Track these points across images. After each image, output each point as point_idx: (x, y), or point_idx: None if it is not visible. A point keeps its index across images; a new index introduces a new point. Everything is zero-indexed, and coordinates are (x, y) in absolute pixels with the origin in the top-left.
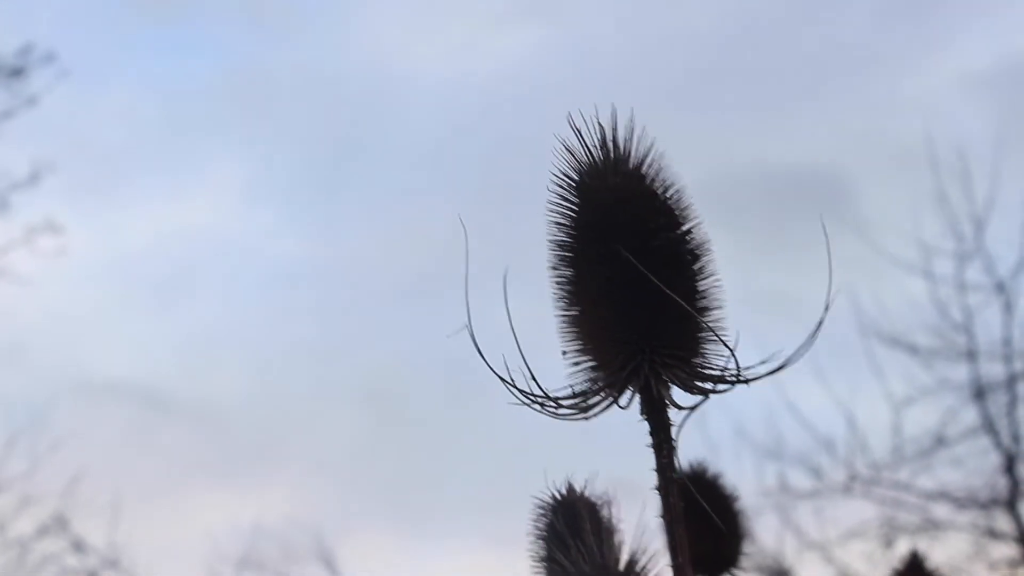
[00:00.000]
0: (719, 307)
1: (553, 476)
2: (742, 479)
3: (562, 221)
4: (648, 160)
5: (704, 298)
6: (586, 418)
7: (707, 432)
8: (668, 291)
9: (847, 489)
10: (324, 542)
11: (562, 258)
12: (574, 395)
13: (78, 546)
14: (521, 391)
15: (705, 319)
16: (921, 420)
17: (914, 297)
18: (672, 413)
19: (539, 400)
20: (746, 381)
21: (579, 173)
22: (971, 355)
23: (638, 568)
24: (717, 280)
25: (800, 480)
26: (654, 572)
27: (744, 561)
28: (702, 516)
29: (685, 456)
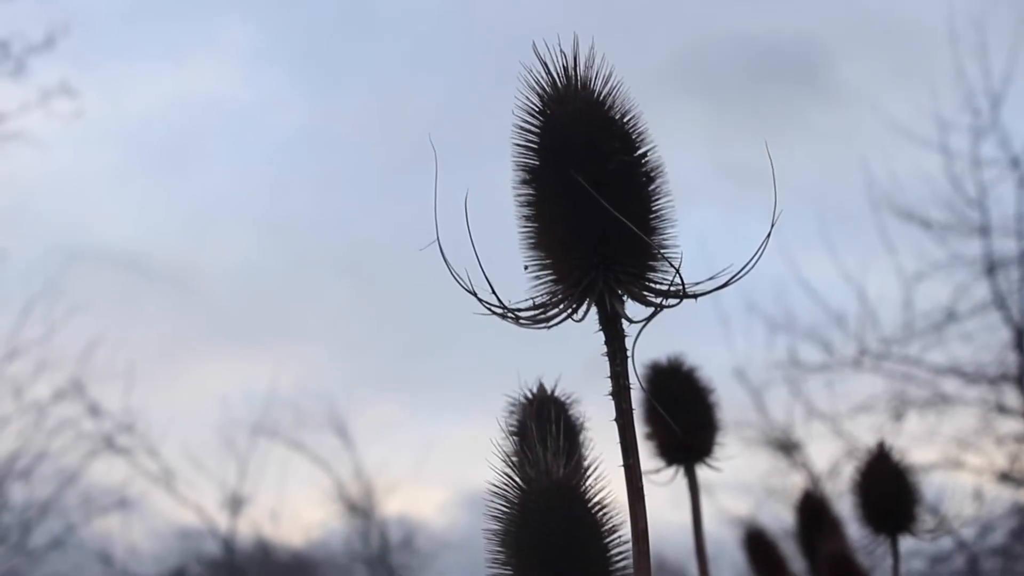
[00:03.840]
0: (671, 226)
1: (527, 376)
2: (753, 353)
3: (525, 144)
4: (607, 87)
5: (657, 218)
6: (547, 327)
7: (720, 307)
8: (617, 214)
9: (857, 363)
10: (336, 410)
11: (525, 178)
12: (534, 307)
13: (94, 410)
14: (485, 301)
15: (657, 238)
16: (932, 295)
17: (928, 172)
18: (628, 324)
19: (501, 310)
20: (693, 296)
21: (541, 99)
22: (984, 230)
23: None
24: (670, 201)
25: (810, 354)
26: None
27: (718, 452)
28: (675, 410)
29: (667, 350)
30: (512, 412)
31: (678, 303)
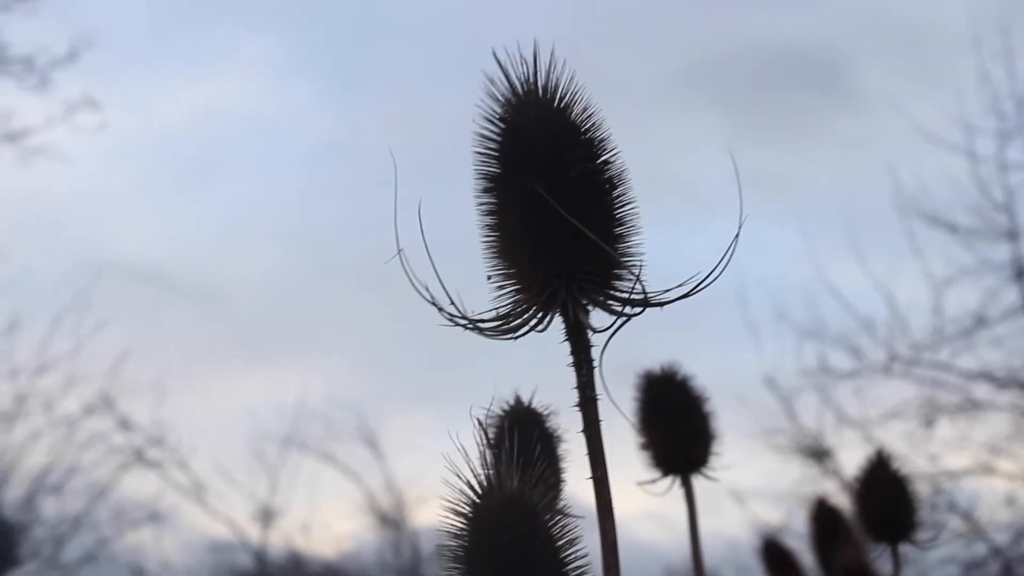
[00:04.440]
0: (635, 233)
1: (502, 388)
2: (783, 360)
3: (485, 152)
4: (569, 93)
5: (621, 225)
6: (513, 338)
7: (747, 314)
8: (576, 222)
9: (887, 369)
10: (366, 421)
11: (486, 187)
12: (497, 317)
13: (124, 424)
14: (446, 312)
15: (620, 246)
16: (961, 300)
17: (954, 176)
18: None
19: (464, 321)
20: (659, 304)
21: (501, 106)
22: (1012, 235)
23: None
24: (634, 208)
25: (840, 361)
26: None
27: (714, 462)
28: (669, 420)
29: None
30: (488, 426)
31: (641, 311)
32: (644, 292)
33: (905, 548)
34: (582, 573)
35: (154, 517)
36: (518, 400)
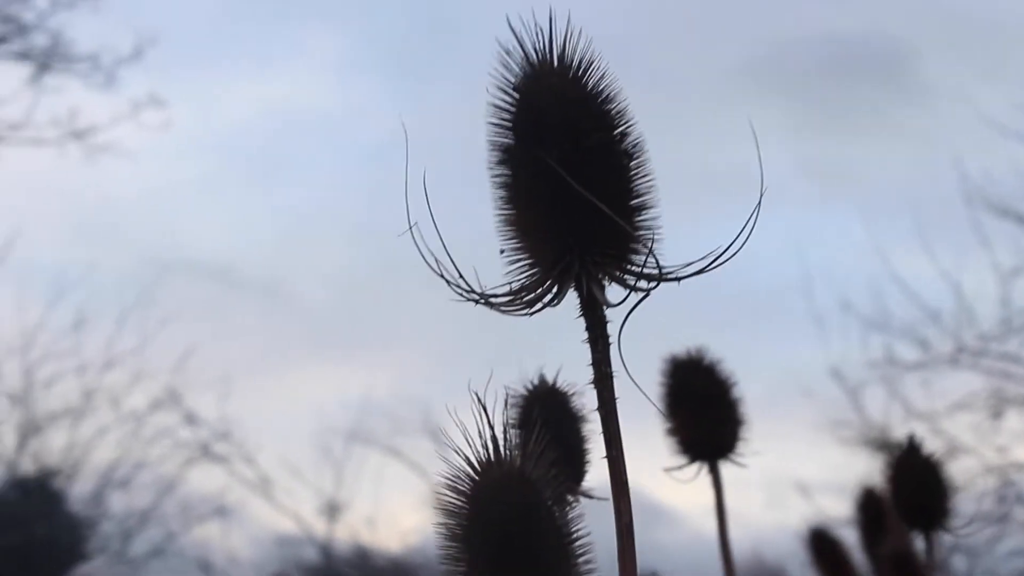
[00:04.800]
0: (652, 206)
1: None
2: (848, 352)
3: (498, 123)
4: (585, 62)
5: (637, 197)
6: (528, 314)
7: (813, 306)
8: (586, 193)
9: (954, 361)
10: (431, 414)
11: (499, 159)
12: (510, 292)
13: (190, 419)
14: (458, 286)
15: (637, 218)
16: None
17: (1022, 167)
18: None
19: (476, 296)
20: (676, 279)
21: (515, 76)
22: None
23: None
24: (651, 179)
25: (907, 352)
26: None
27: (742, 448)
28: (694, 405)
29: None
30: (513, 405)
31: (655, 286)
32: (658, 266)
33: (955, 538)
34: (583, 551)
35: (221, 512)
36: (542, 379)
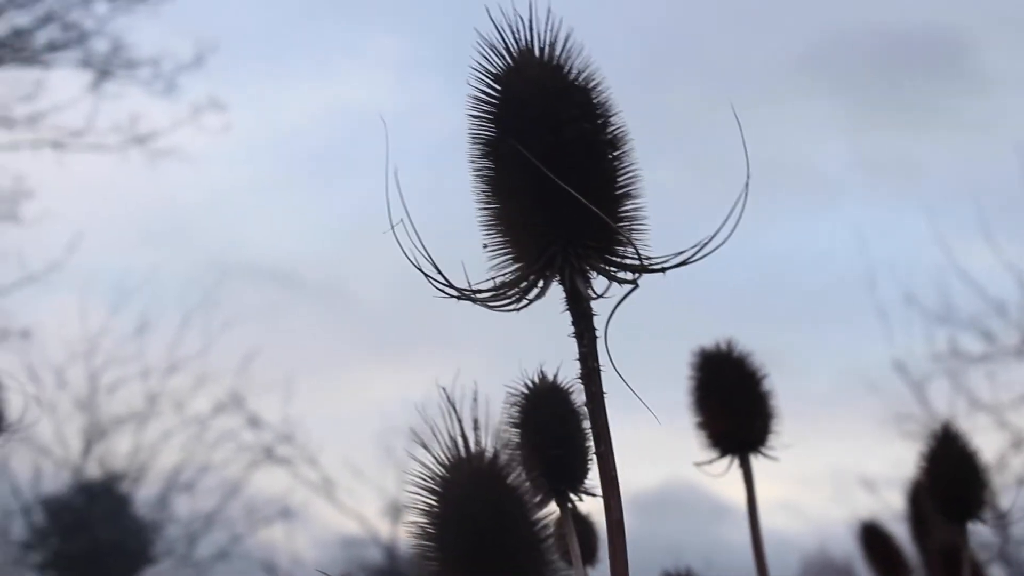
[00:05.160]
0: (636, 196)
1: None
2: (912, 345)
3: (479, 114)
4: (566, 53)
5: (620, 188)
6: (516, 309)
7: (877, 299)
8: (563, 184)
9: (1020, 352)
10: (493, 415)
11: (480, 152)
12: (494, 288)
13: (253, 422)
14: (440, 283)
15: (620, 209)
16: None
17: None
18: (602, 301)
19: (455, 292)
20: (661, 270)
21: (495, 67)
22: None
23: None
24: (635, 170)
25: (971, 344)
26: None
27: (772, 441)
28: (723, 397)
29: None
30: (512, 404)
31: (637, 277)
32: (639, 257)
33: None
34: (555, 548)
35: (285, 513)
36: (542, 376)
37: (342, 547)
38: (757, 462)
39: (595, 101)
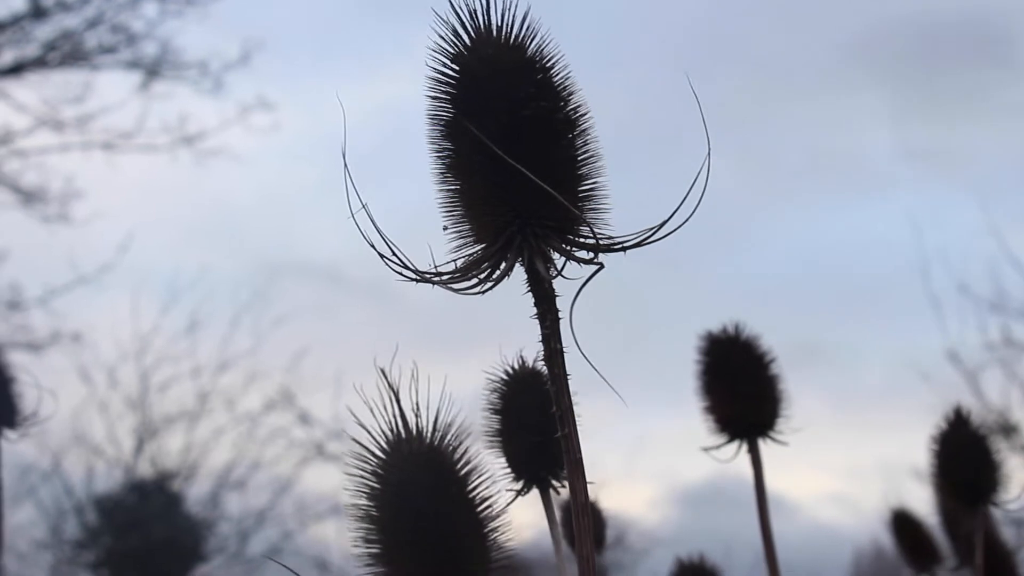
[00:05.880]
0: (596, 175)
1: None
2: (966, 334)
3: (437, 95)
4: (524, 32)
5: (579, 167)
6: (482, 292)
7: (929, 289)
8: (515, 163)
9: None
10: None
11: (438, 132)
12: (455, 270)
13: (304, 419)
14: (400, 267)
15: (579, 189)
16: None
17: None
18: (565, 282)
19: (413, 275)
20: (621, 249)
21: (453, 46)
22: None
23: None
24: (594, 148)
25: None
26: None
27: (781, 425)
28: (731, 381)
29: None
30: (492, 390)
31: (594, 257)
32: (595, 236)
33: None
34: (501, 529)
35: (336, 510)
36: (522, 362)
37: None
38: (783, 448)
39: (553, 80)
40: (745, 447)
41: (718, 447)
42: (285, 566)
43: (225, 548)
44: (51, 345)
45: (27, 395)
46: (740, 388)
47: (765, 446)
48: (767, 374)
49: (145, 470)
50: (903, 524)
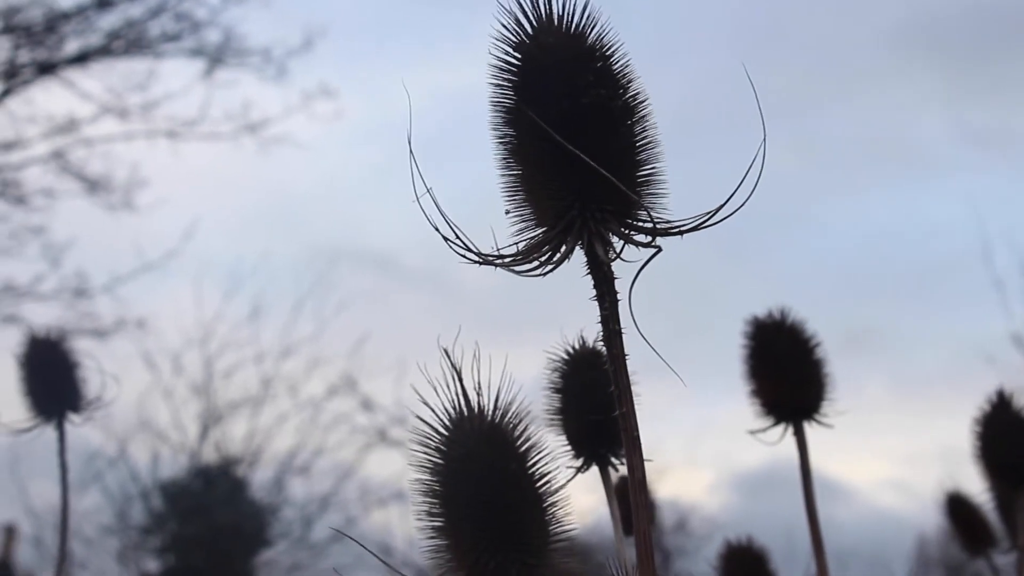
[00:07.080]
0: (654, 161)
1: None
2: None
3: (500, 83)
4: (584, 22)
5: (638, 153)
6: (542, 275)
7: (993, 272)
8: (576, 151)
9: None
10: None
11: (501, 119)
12: (517, 253)
13: (366, 405)
14: (465, 249)
15: (638, 174)
16: None
17: None
18: (623, 265)
19: (476, 257)
20: (678, 232)
21: (516, 35)
22: None
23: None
24: (652, 135)
25: None
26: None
27: (826, 408)
28: (778, 365)
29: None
30: (553, 369)
31: (651, 240)
32: (652, 220)
33: None
34: (556, 504)
35: (399, 495)
36: (582, 343)
37: None
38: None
39: (612, 68)
40: (791, 430)
41: (764, 430)
42: (356, 540)
43: (289, 533)
44: (116, 332)
45: (91, 380)
46: (785, 372)
47: (811, 430)
48: (812, 358)
49: (210, 456)
50: (957, 507)
